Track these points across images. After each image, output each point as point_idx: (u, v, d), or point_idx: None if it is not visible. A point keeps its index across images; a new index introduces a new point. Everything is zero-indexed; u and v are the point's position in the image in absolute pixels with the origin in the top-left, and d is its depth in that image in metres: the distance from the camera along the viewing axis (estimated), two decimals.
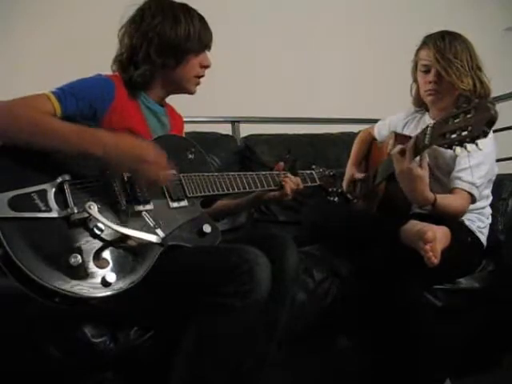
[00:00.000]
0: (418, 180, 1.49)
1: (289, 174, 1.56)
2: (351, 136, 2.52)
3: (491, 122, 1.23)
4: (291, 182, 1.54)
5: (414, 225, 1.56)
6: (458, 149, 1.30)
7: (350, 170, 2.00)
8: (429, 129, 1.40)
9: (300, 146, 2.44)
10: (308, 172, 1.66)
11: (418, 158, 1.47)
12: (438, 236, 1.49)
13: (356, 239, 1.69)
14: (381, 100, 2.68)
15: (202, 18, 1.46)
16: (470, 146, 1.28)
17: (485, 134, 1.24)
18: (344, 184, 1.94)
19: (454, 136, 1.30)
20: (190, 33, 1.40)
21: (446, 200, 1.60)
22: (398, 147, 1.53)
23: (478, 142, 1.26)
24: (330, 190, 1.73)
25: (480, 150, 1.29)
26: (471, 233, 1.73)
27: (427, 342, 1.56)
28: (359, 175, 1.96)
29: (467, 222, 1.74)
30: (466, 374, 1.71)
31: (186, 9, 1.44)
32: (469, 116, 1.27)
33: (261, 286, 1.17)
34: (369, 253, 1.64)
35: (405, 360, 1.56)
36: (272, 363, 1.37)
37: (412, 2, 3.00)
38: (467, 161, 1.65)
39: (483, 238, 1.77)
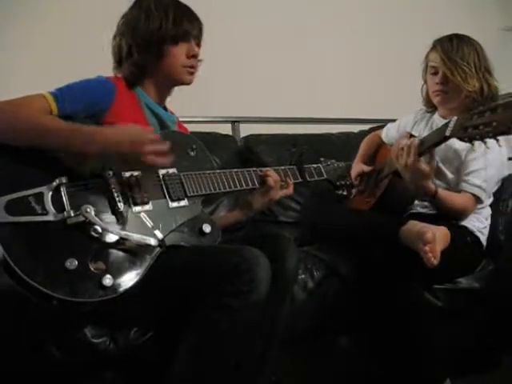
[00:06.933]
0: (422, 175, 1.55)
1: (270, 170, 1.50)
2: (351, 136, 2.52)
3: None
4: (274, 175, 1.48)
5: (414, 225, 1.56)
6: (477, 143, 1.33)
7: (358, 167, 1.94)
8: (451, 122, 1.42)
9: (300, 145, 2.43)
10: (315, 166, 1.62)
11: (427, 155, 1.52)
12: (438, 236, 1.50)
13: (356, 239, 1.68)
14: (381, 100, 2.69)
15: (180, 8, 1.42)
16: (490, 142, 1.31)
17: (510, 132, 1.26)
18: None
19: (476, 131, 1.32)
20: (162, 23, 1.37)
21: (447, 195, 1.65)
22: (404, 142, 1.57)
23: (500, 138, 1.28)
24: (339, 183, 1.69)
25: (500, 146, 1.35)
26: (471, 233, 1.73)
27: (427, 342, 1.57)
28: (367, 168, 1.93)
29: (466, 223, 1.74)
30: (465, 374, 1.71)
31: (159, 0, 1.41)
32: (495, 114, 1.28)
33: (260, 286, 1.17)
34: (369, 253, 1.64)
35: (405, 360, 1.56)
36: (272, 363, 1.37)
37: (412, 2, 2.99)
38: (474, 164, 1.70)
39: (483, 238, 1.77)
